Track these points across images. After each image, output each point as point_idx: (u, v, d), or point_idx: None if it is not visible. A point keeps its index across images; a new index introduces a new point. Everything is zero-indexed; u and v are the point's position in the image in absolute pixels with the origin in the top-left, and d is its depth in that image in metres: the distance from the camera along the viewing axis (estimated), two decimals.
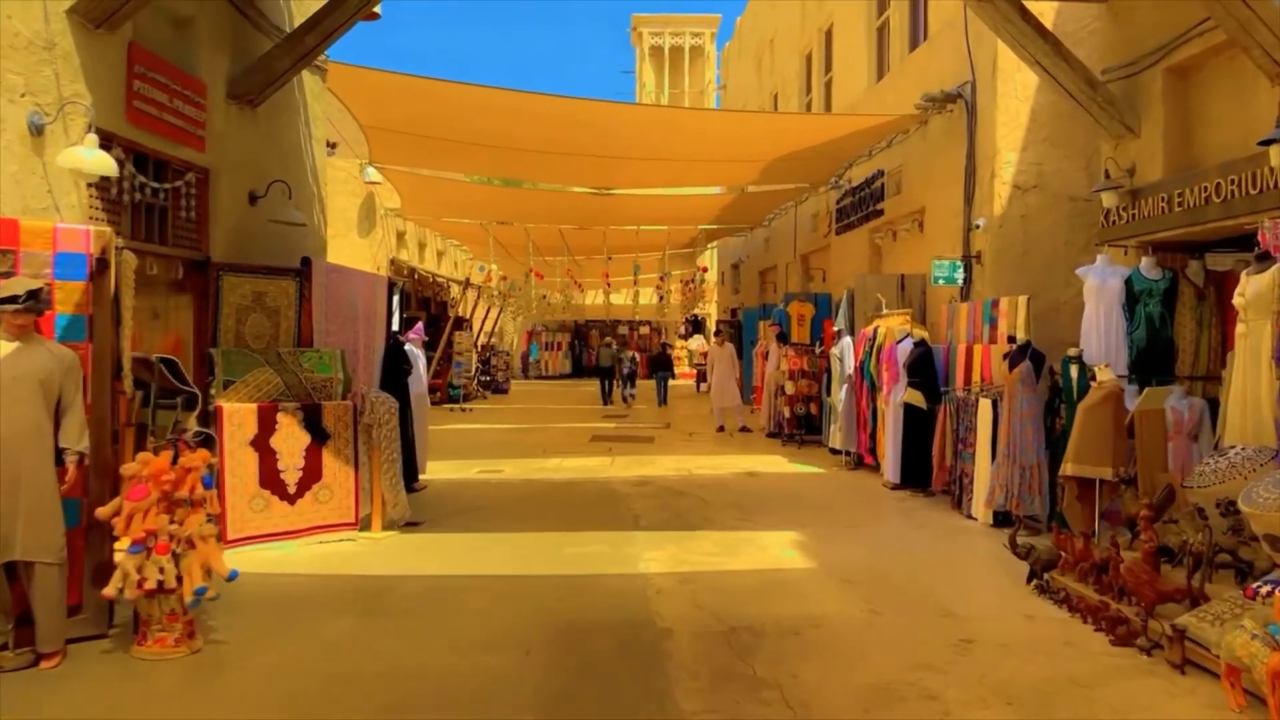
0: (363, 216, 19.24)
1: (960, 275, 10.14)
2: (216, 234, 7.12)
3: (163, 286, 7.00)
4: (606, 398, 22.51)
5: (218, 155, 7.10)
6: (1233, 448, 5.49)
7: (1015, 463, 7.56)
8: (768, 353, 18.66)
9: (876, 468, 10.57)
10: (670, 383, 22.74)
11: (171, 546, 4.75)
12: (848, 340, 11.09)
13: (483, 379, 27.38)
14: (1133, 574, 5.01)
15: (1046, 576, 5.79)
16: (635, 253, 21.07)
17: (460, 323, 23.19)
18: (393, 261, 20.22)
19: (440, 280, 23.72)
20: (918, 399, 9.22)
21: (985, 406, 7.98)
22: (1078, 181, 9.78)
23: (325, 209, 9.54)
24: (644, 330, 38.53)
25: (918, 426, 9.31)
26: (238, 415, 6.77)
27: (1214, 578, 5.00)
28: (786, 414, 13.52)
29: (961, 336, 9.34)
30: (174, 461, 4.85)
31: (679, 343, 38.35)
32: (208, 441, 5.22)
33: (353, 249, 19.14)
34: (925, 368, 9.23)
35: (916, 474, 9.34)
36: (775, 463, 11.78)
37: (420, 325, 10.19)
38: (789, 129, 12.33)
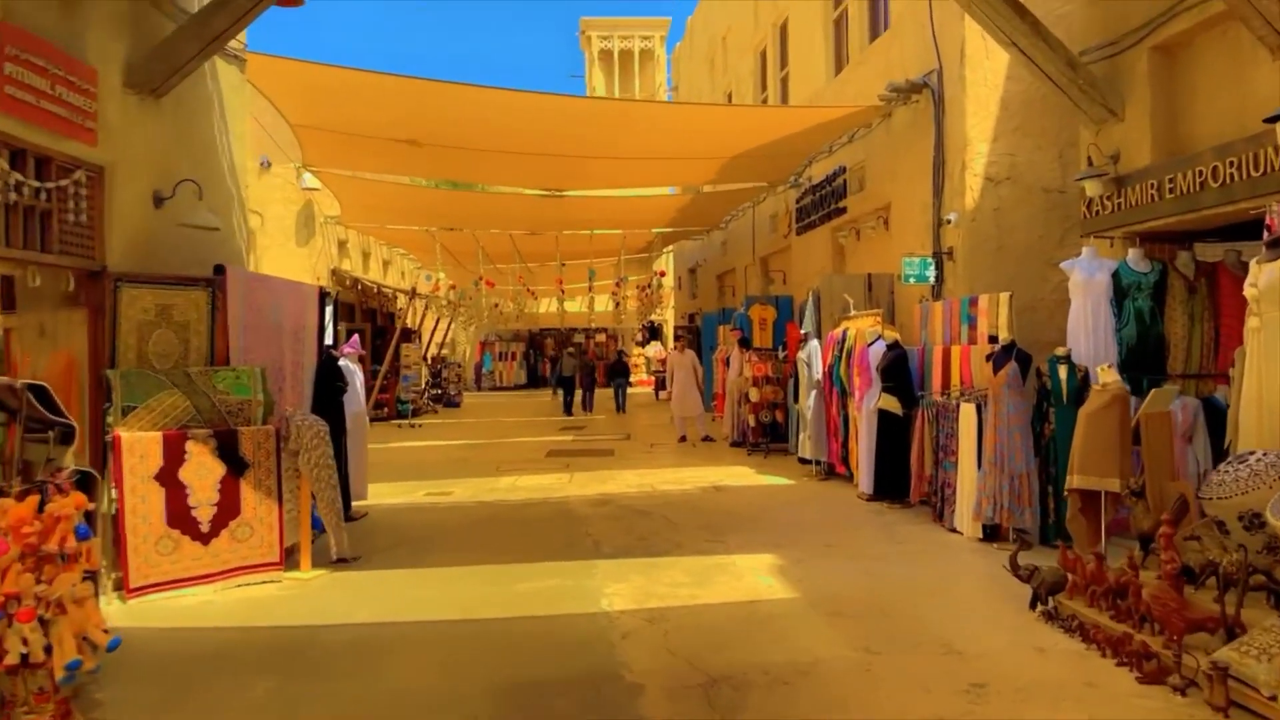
0: (301, 225, 18.27)
1: (932, 273, 9.64)
2: (114, 240, 6.27)
3: (50, 300, 6.12)
4: (569, 409, 21.89)
5: (114, 151, 6.26)
6: (1252, 454, 4.98)
7: (1003, 472, 7.04)
8: (729, 359, 18.13)
9: (849, 478, 10.02)
10: (628, 390, 22.60)
11: (38, 611, 3.94)
12: (815, 344, 10.54)
13: (433, 392, 26.48)
14: (1158, 600, 4.45)
15: (1053, 601, 5.24)
16: (590, 259, 20.39)
17: (408, 334, 22.27)
18: (334, 272, 19.26)
19: (386, 291, 22.78)
20: (893, 405, 8.68)
21: (968, 412, 7.45)
22: (1052, 172, 9.35)
23: (246, 212, 8.70)
24: (600, 338, 37.84)
25: (893, 434, 8.77)
26: (139, 445, 5.93)
27: (1245, 602, 4.47)
28: (751, 422, 12.94)
29: (937, 337, 8.82)
30: (40, 509, 4.03)
31: (636, 350, 37.75)
32: (86, 482, 4.42)
33: (291, 259, 18.16)
34: (900, 371, 8.69)
35: (893, 484, 8.80)
36: (742, 474, 11.17)
37: (357, 339, 9.38)
38: (746, 123, 11.77)
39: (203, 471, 6.15)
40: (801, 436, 10.63)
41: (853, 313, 10.33)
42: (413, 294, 21.39)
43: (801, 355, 10.59)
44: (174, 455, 6.05)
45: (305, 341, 8.18)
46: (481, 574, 6.64)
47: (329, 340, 9.04)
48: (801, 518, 8.44)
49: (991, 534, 7.28)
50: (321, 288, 8.53)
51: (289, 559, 6.56)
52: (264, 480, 6.40)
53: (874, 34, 12.30)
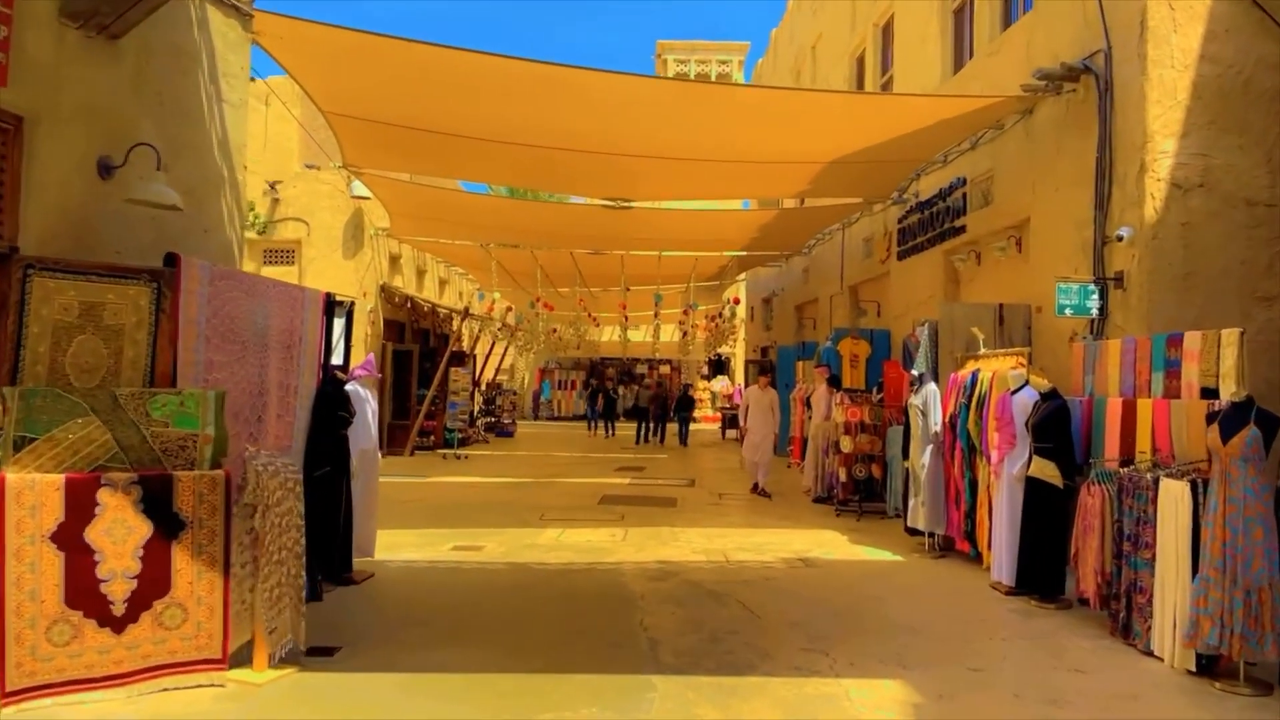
0: (349, 235, 17.01)
1: (1095, 303, 7.58)
2: (32, 213, 4.74)
3: None
4: (641, 438, 23.00)
5: (37, 96, 4.75)
6: None
7: (1234, 581, 4.94)
8: (809, 399, 16.13)
9: (974, 558, 7.95)
10: (694, 427, 23.68)
11: None
12: (932, 388, 8.52)
13: (486, 421, 24.99)
14: None
15: None
16: (657, 284, 18.64)
17: (460, 358, 20.81)
18: (383, 288, 17.93)
19: (441, 311, 21.38)
20: (1050, 473, 6.62)
21: (1175, 493, 5.37)
22: (1259, 179, 7.25)
23: (242, 200, 7.15)
24: (664, 370, 36.03)
25: (1046, 509, 6.71)
26: (32, 493, 4.30)
27: None
28: (842, 476, 10.91)
29: (1111, 386, 6.75)
30: None
31: (701, 384, 35.84)
32: None
33: (337, 271, 16.89)
34: (1060, 429, 6.64)
35: (1043, 575, 6.73)
36: (834, 543, 9.15)
37: (372, 359, 7.72)
38: (842, 118, 9.79)
39: (120, 531, 4.48)
40: (913, 502, 8.58)
41: (983, 351, 8.31)
42: (465, 314, 19.92)
43: (914, 401, 8.59)
44: (80, 507, 4.40)
45: (301, 359, 6.54)
46: (496, 687, 4.81)
47: (338, 359, 7.41)
48: (925, 617, 6.40)
49: (1209, 665, 5.18)
50: (329, 294, 6.91)
51: (236, 654, 4.84)
52: (206, 545, 4.70)
53: (1008, 19, 10.34)
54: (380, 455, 7.61)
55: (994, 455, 7.26)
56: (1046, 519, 6.71)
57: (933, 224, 11.60)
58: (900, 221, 12.83)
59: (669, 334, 28.06)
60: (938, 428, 8.40)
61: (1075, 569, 6.38)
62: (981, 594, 7.08)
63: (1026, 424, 6.87)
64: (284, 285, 6.40)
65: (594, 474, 15.43)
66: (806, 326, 18.95)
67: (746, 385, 25.83)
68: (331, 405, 6.77)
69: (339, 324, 7.36)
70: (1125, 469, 6.03)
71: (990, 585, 7.24)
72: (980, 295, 10.25)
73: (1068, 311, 7.58)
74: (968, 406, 7.93)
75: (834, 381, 11.95)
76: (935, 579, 7.63)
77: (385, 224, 16.80)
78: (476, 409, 24.11)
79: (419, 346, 19.81)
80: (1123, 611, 5.86)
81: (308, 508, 6.67)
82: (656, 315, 18.84)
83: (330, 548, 6.74)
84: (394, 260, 19.10)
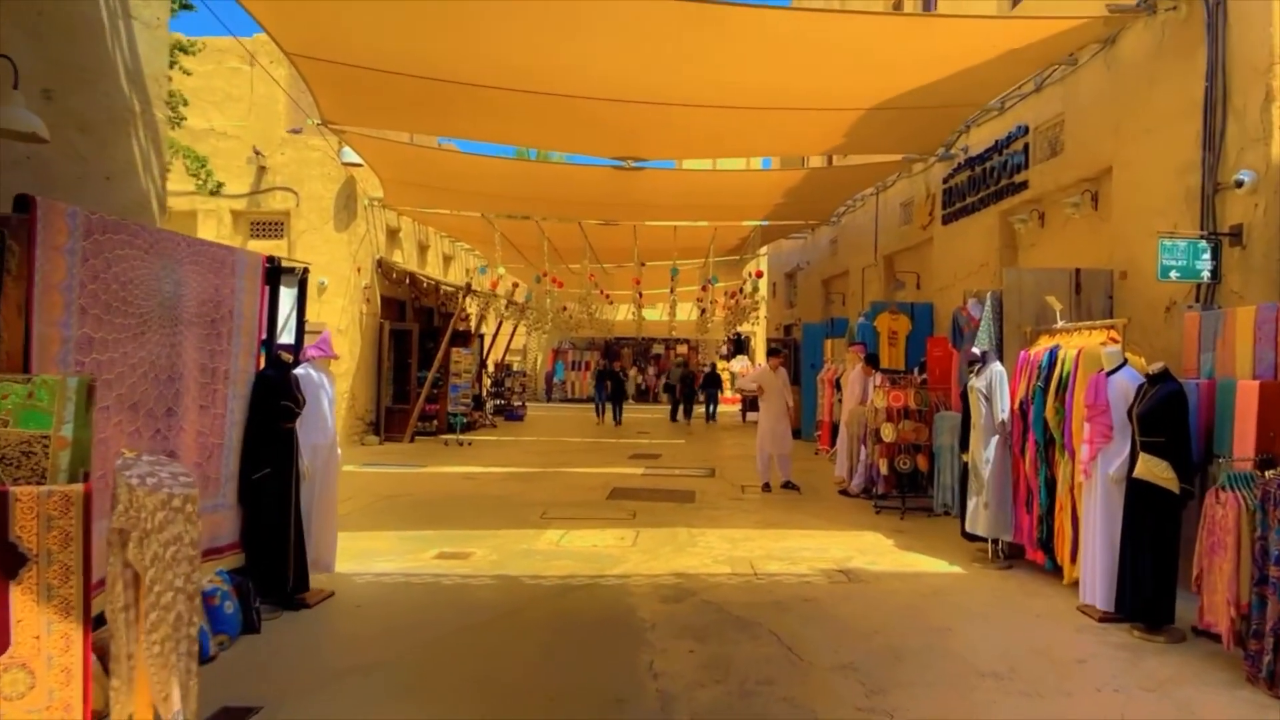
0: (340, 206, 15.77)
1: (1206, 264, 6.21)
2: None
3: None
4: (676, 416, 23.15)
5: None
6: None
7: None
8: (838, 380, 14.81)
9: (1052, 570, 6.67)
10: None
11: None
12: (998, 368, 7.19)
13: (495, 403, 23.84)
14: None
15: None
16: (673, 258, 17.30)
17: (465, 338, 19.61)
18: (380, 263, 16.72)
19: (446, 289, 20.13)
20: (1164, 476, 5.30)
21: None
22: None
23: (161, 142, 5.86)
24: (681, 349, 34.73)
25: (1155, 519, 5.40)
26: None
27: None
28: (883, 469, 9.62)
29: (1241, 366, 5.41)
30: None
31: (721, 364, 34.52)
32: None
33: (328, 245, 15.68)
34: (1177, 421, 5.31)
35: (1147, 600, 5.43)
36: (877, 548, 7.88)
37: (328, 336, 6.46)
38: (883, 54, 8.31)
39: None
40: (973, 502, 7.26)
41: (1060, 324, 6.97)
42: (467, 290, 18.67)
43: (976, 383, 7.25)
44: None
45: (234, 338, 5.33)
46: None
47: (288, 339, 6.19)
48: (1007, 655, 5.10)
49: None
50: (271, 258, 5.68)
51: None
52: (58, 587, 3.49)
53: None
54: (339, 451, 6.38)
55: (1084, 450, 5.94)
56: (1155, 531, 5.40)
57: (986, 181, 10.20)
58: (945, 181, 11.43)
59: (685, 312, 26.76)
60: (1005, 416, 7.07)
61: (1199, 595, 5.08)
62: (1069, 621, 5.79)
63: (1129, 413, 5.54)
64: (206, 245, 5.17)
65: (605, 462, 14.21)
66: (835, 302, 17.58)
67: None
68: (274, 393, 5.56)
69: (288, 295, 6.13)
70: (1270, 472, 4.71)
71: (1078, 609, 5.94)
72: (1045, 260, 8.90)
73: (1173, 275, 6.21)
74: (1044, 390, 6.61)
75: (872, 361, 10.61)
76: (1008, 599, 6.33)
77: (380, 194, 15.56)
78: (485, 391, 22.96)
79: (419, 326, 18.61)
80: (1267, 654, 4.55)
81: (245, 516, 5.52)
82: (673, 291, 17.50)
83: (275, 565, 5.56)
84: (392, 234, 17.87)
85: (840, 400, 14.97)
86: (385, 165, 12.82)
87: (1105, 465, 5.76)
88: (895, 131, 10.18)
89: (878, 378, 10.10)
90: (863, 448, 10.68)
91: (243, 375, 5.48)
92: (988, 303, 7.65)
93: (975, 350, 7.45)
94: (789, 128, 9.92)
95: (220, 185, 12.28)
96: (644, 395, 33.07)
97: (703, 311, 21.76)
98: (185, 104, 11.52)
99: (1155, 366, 5.48)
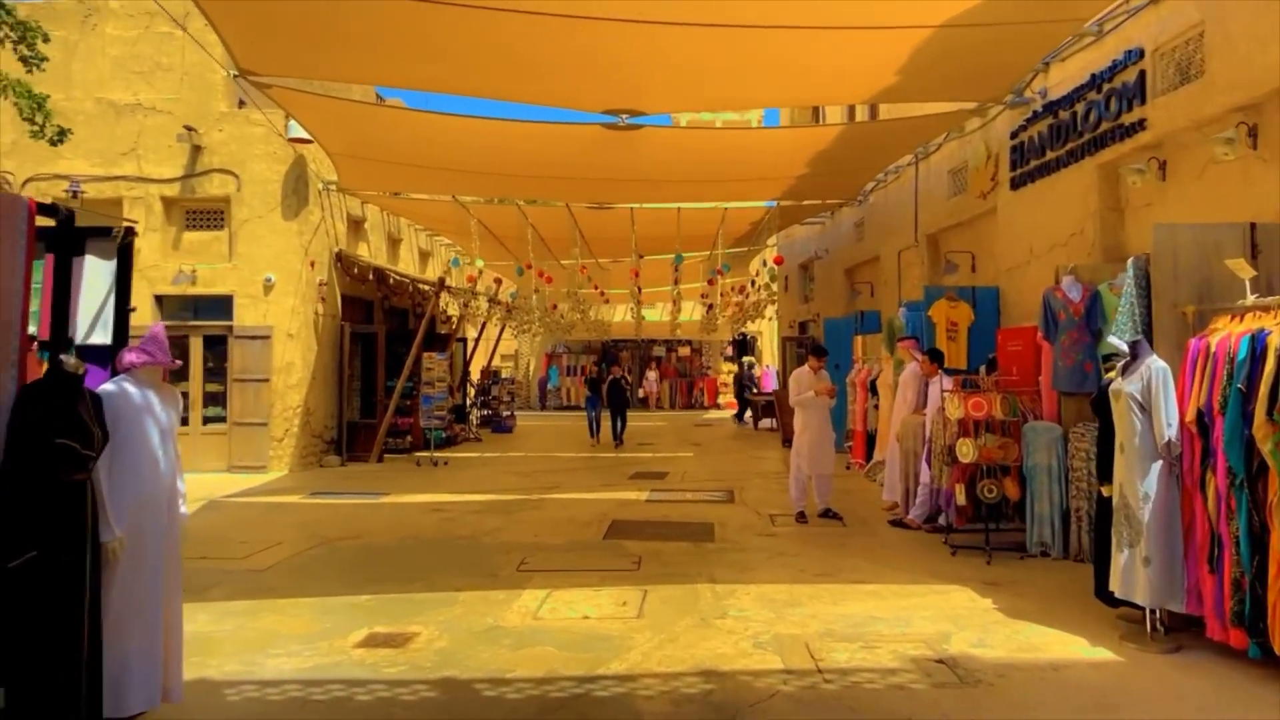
0: (289, 190, 13.60)
1: None
2: None
3: None
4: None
5: None
6: None
7: None
8: (872, 382, 12.64)
9: (1257, 657, 4.49)
10: (718, 414, 20.87)
11: None
12: (1161, 366, 5.01)
13: (482, 414, 21.68)
14: None
15: None
16: (676, 248, 15.11)
17: (443, 341, 17.42)
18: (339, 256, 14.53)
19: (424, 287, 17.89)
20: None
21: None
22: None
23: None
24: (683, 351, 32.58)
25: None
26: None
27: None
28: (959, 498, 7.44)
29: None
30: None
31: (725, 366, 32.38)
32: None
33: (276, 237, 13.53)
34: None
35: None
36: (976, 614, 5.70)
37: (160, 332, 4.17)
38: None
39: None
40: (1125, 555, 5.06)
41: (1249, 300, 4.80)
42: (440, 286, 16.47)
43: (1127, 387, 5.08)
44: None
45: None
46: None
47: (102, 337, 4.00)
48: None
49: None
50: (57, 205, 3.50)
51: None
52: None
53: None
54: (185, 510, 4.16)
55: None
56: None
57: (1076, 128, 8.05)
58: (1014, 136, 9.27)
59: (689, 311, 24.58)
60: (1172, 434, 4.90)
61: None
62: None
63: None
64: None
65: (602, 484, 12.03)
66: (862, 294, 15.39)
67: (781, 367, 22.34)
68: (47, 424, 3.38)
69: (99, 269, 3.94)
70: None
71: None
72: (1170, 218, 6.72)
73: None
74: (1244, 396, 4.45)
75: (936, 358, 8.44)
76: (1208, 712, 4.16)
77: (335, 177, 13.38)
78: (469, 401, 20.77)
79: (389, 328, 16.43)
80: None
81: None
82: (676, 282, 15.32)
83: (47, 708, 3.37)
84: (355, 225, 15.69)
85: (875, 406, 12.86)
86: (328, 134, 10.63)
87: None
88: (955, 68, 8.00)
89: (946, 380, 7.93)
90: (923, 467, 8.53)
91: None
92: (1129, 273, 5.47)
93: (1115, 340, 5.27)
94: (825, 59, 7.74)
95: (62, 133, 10.01)
96: (644, 404, 30.86)
97: (709, 308, 19.63)
98: (45, 39, 9.30)
99: None
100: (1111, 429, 5.29)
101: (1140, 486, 5.00)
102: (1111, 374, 5.34)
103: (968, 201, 10.64)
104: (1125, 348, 5.15)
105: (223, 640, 5.31)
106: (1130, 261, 5.52)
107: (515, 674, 4.73)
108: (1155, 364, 5.00)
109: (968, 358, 9.40)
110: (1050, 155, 8.54)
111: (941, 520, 8.25)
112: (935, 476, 8.01)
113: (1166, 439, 4.91)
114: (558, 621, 5.69)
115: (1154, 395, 4.95)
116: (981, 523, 7.49)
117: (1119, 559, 5.12)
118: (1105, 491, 5.36)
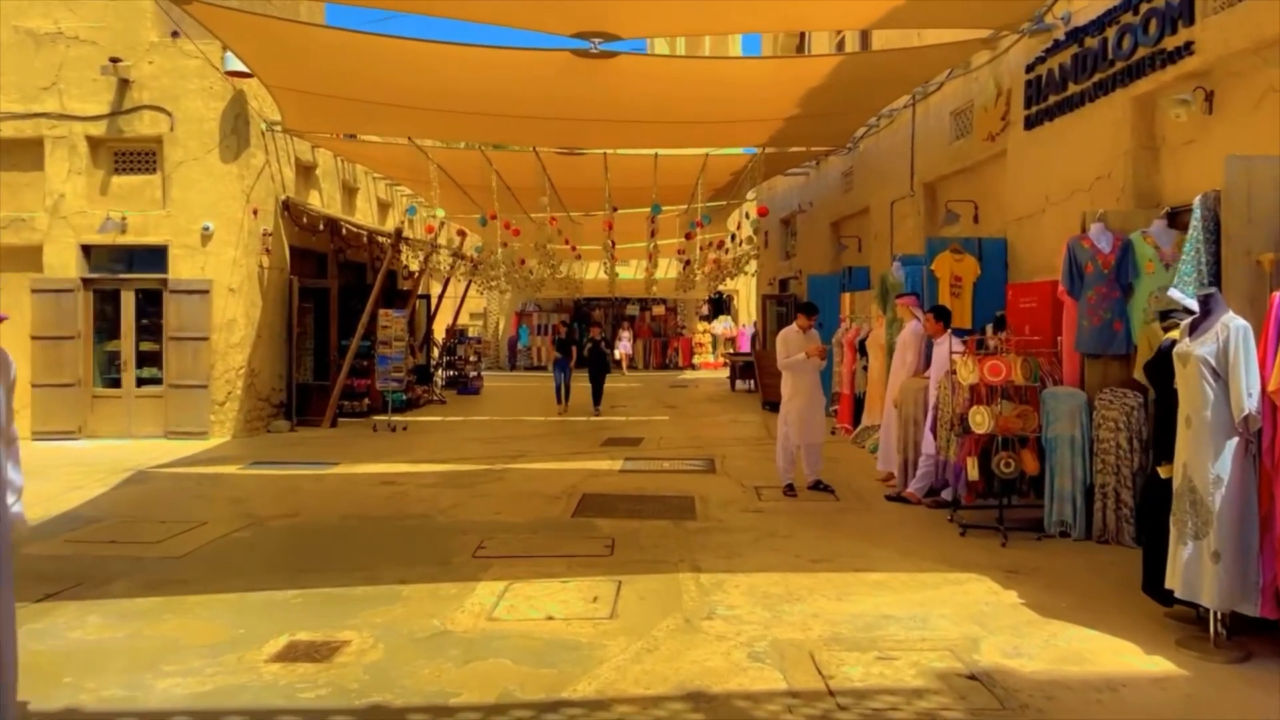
0: (228, 130, 12.37)
1: None
2: None
3: None
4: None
5: None
6: None
7: None
8: (861, 342, 11.82)
9: None
10: (694, 375, 19.53)
11: None
12: (1239, 324, 4.16)
13: (448, 375, 20.71)
14: None
15: None
16: (652, 199, 14.10)
17: (403, 298, 16.36)
18: (286, 204, 13.35)
19: (382, 239, 16.70)
20: None
21: None
22: None
23: None
24: (658, 310, 31.67)
25: None
26: None
27: None
28: (971, 472, 6.64)
29: None
30: None
31: (701, 326, 31.56)
32: None
33: (215, 182, 12.36)
34: None
35: None
36: (1001, 610, 4.91)
37: None
38: None
39: None
40: (1189, 549, 4.26)
41: None
42: (398, 238, 15.35)
43: (1195, 349, 4.23)
44: None
45: None
46: None
47: None
48: None
49: None
50: None
51: None
52: None
53: None
54: (18, 509, 3.21)
55: None
56: None
57: (1107, 57, 7.15)
58: (1030, 70, 8.35)
59: (665, 269, 23.62)
60: (1252, 406, 4.07)
61: None
62: None
63: None
64: None
65: (571, 452, 11.17)
66: (849, 248, 14.51)
67: (759, 326, 21.51)
68: None
69: None
70: None
71: None
72: (1217, 157, 5.89)
73: None
74: None
75: (942, 316, 7.60)
76: None
77: (278, 116, 12.17)
78: (432, 362, 19.75)
79: (343, 282, 15.33)
80: None
81: None
82: (653, 234, 14.35)
83: None
84: (305, 171, 14.48)
85: (864, 368, 12.06)
86: (266, 63, 9.47)
87: None
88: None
89: (955, 342, 7.09)
90: (926, 436, 7.73)
91: None
92: (1196, 213, 4.62)
93: (1177, 293, 4.42)
94: None
95: None
96: (617, 365, 30.02)
97: (686, 264, 18.71)
98: None
99: None
100: (1172, 399, 4.47)
101: (1211, 468, 4.18)
102: (1174, 333, 4.50)
103: (972, 145, 9.74)
104: (1193, 304, 4.31)
105: (111, 653, 4.40)
106: (1198, 200, 4.66)
107: (460, 699, 3.86)
108: (1235, 322, 4.16)
109: (973, 315, 8.58)
110: (1073, 89, 7.64)
111: (945, 495, 7.50)
112: (941, 448, 7.20)
113: (1246, 412, 4.08)
114: (516, 624, 4.82)
115: (1232, 359, 4.11)
116: (993, 498, 6.72)
117: (1180, 552, 4.32)
118: (1164, 473, 4.55)
